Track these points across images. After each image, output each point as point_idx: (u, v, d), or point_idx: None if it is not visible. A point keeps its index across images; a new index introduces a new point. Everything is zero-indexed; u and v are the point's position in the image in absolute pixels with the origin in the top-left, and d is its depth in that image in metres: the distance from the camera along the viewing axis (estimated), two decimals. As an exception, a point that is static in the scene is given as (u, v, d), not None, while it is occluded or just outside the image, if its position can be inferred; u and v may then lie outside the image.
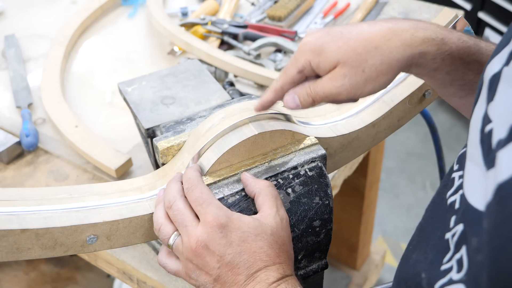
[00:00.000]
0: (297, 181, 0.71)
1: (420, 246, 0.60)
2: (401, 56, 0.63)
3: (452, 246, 0.53)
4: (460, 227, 0.52)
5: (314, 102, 0.67)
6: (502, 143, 0.44)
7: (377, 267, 1.89)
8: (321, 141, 0.75)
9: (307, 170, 0.72)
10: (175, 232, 0.66)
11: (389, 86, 0.81)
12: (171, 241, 0.66)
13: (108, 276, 1.78)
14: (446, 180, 0.61)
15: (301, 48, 0.66)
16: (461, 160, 0.59)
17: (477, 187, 0.49)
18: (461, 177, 0.57)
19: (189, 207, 0.66)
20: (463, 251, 0.50)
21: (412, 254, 0.61)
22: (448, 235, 0.54)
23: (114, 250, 0.95)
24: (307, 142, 0.74)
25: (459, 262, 0.51)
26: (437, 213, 0.60)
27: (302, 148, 0.73)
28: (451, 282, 0.51)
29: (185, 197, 0.67)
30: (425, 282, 0.55)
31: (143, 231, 0.71)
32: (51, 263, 1.80)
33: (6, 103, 1.21)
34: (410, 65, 0.64)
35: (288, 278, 0.62)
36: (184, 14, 1.46)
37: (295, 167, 0.71)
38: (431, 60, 0.64)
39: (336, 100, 0.66)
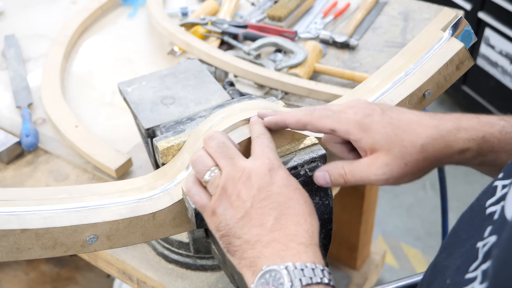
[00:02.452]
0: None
1: (451, 252, 0.59)
2: (443, 156, 0.64)
3: (480, 256, 0.52)
4: (493, 239, 0.51)
5: (345, 184, 0.66)
6: None
7: (377, 267, 1.89)
8: (321, 141, 0.75)
9: (307, 170, 0.72)
10: (214, 167, 0.63)
11: (388, 86, 0.82)
12: (207, 176, 0.63)
13: (108, 276, 1.78)
14: (488, 187, 0.59)
15: (348, 115, 0.66)
16: (509, 169, 0.58)
17: None
18: (505, 186, 0.56)
19: (233, 144, 0.65)
20: (490, 262, 0.49)
21: (442, 259, 0.60)
22: (479, 244, 0.53)
23: (114, 250, 0.95)
24: (307, 142, 0.74)
25: (484, 273, 0.50)
26: (474, 220, 0.59)
27: (302, 148, 0.73)
28: None
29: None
30: None
31: (143, 231, 0.71)
32: (51, 263, 1.80)
33: (6, 103, 1.21)
34: (450, 162, 0.66)
35: (315, 247, 0.59)
36: (184, 14, 1.46)
37: (295, 167, 0.71)
38: (473, 158, 0.65)
39: (370, 184, 0.67)
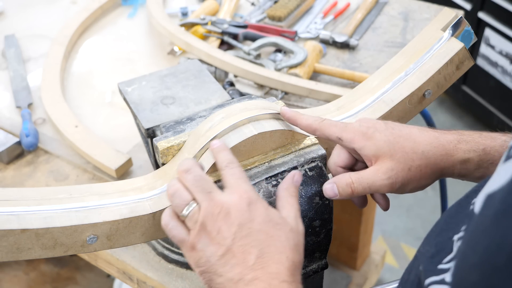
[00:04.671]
0: (297, 181, 0.71)
1: (427, 240, 0.61)
2: (444, 164, 0.67)
3: (454, 249, 0.53)
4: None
5: (352, 193, 0.68)
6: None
7: (377, 267, 1.89)
8: (321, 141, 0.75)
9: (307, 170, 0.72)
10: (192, 201, 0.62)
11: (388, 86, 0.82)
12: (185, 210, 0.62)
13: (108, 276, 1.78)
14: (478, 185, 0.61)
15: (354, 125, 0.70)
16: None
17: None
18: None
19: (208, 177, 0.64)
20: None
21: (421, 247, 0.62)
22: (455, 237, 0.55)
23: (114, 250, 0.95)
24: (307, 142, 0.74)
25: None
26: (457, 215, 0.60)
27: (302, 148, 0.73)
28: (442, 282, 0.51)
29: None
30: (422, 275, 0.56)
31: (143, 231, 0.71)
32: (51, 263, 1.80)
33: (6, 103, 1.21)
34: (452, 173, 0.68)
35: (298, 284, 0.59)
36: (184, 14, 1.46)
37: (295, 167, 0.71)
38: (474, 169, 0.67)
39: (377, 192, 0.68)
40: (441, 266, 0.53)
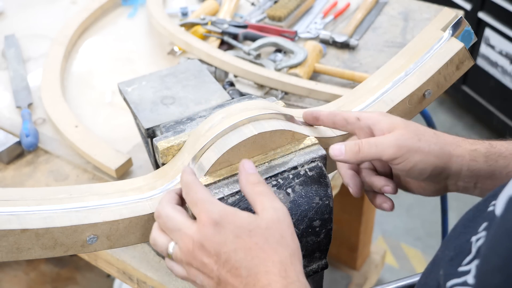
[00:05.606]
0: (297, 181, 0.71)
1: (447, 245, 0.60)
2: (452, 149, 0.68)
3: (474, 250, 0.52)
4: (483, 234, 0.52)
5: (359, 152, 0.68)
6: None
7: (377, 267, 1.89)
8: (321, 141, 0.75)
9: (307, 170, 0.72)
10: (171, 242, 0.63)
11: (388, 86, 0.82)
12: (170, 251, 0.63)
13: (108, 276, 1.78)
14: (496, 189, 0.59)
15: (368, 113, 0.72)
16: None
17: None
18: None
19: (180, 211, 0.63)
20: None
21: (440, 252, 0.61)
22: (473, 238, 0.54)
23: (114, 250, 0.95)
24: (307, 142, 0.74)
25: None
26: (475, 218, 0.59)
27: (302, 148, 0.73)
28: (465, 284, 0.50)
29: (174, 203, 0.65)
30: (442, 279, 0.55)
31: (143, 231, 0.71)
32: (51, 263, 1.80)
33: (6, 103, 1.21)
34: (461, 164, 0.68)
35: (292, 284, 0.57)
36: (184, 14, 1.46)
37: (295, 167, 0.71)
38: (484, 162, 0.68)
39: (383, 156, 0.68)
40: (461, 269, 0.52)
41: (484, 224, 0.54)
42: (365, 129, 0.71)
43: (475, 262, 0.51)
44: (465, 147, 0.68)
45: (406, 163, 0.67)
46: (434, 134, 0.69)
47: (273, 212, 0.60)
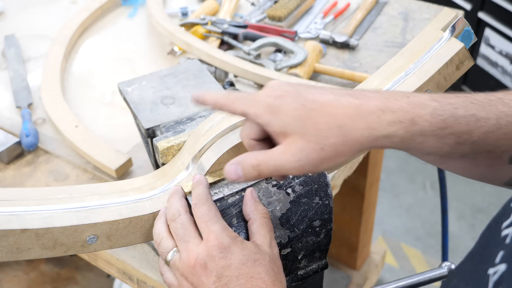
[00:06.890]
0: (297, 181, 0.71)
1: (464, 276, 0.56)
2: (364, 139, 0.57)
3: (491, 285, 0.49)
4: (502, 267, 0.49)
5: (259, 176, 0.61)
6: None
7: (377, 267, 1.89)
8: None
9: (307, 170, 0.71)
10: (175, 248, 0.65)
11: (388, 86, 0.82)
12: (169, 257, 0.65)
13: (108, 276, 1.78)
14: (504, 206, 0.55)
15: (260, 97, 0.61)
16: None
17: None
18: None
19: (194, 224, 0.65)
20: None
21: (456, 282, 0.57)
22: (490, 271, 0.50)
23: (114, 250, 0.95)
24: (307, 142, 0.73)
25: None
26: (490, 243, 0.55)
27: (302, 148, 0.73)
28: None
29: (190, 213, 0.66)
30: None
31: (143, 231, 0.71)
32: (51, 263, 1.80)
33: (6, 103, 1.21)
34: (373, 147, 0.59)
35: None
36: (184, 14, 1.46)
37: (295, 167, 0.71)
38: (399, 142, 0.58)
39: (286, 174, 0.62)
40: None
41: (501, 254, 0.50)
42: (255, 123, 0.63)
43: None
44: (380, 130, 0.57)
45: (314, 172, 0.62)
46: (337, 130, 0.57)
47: (271, 249, 0.65)
